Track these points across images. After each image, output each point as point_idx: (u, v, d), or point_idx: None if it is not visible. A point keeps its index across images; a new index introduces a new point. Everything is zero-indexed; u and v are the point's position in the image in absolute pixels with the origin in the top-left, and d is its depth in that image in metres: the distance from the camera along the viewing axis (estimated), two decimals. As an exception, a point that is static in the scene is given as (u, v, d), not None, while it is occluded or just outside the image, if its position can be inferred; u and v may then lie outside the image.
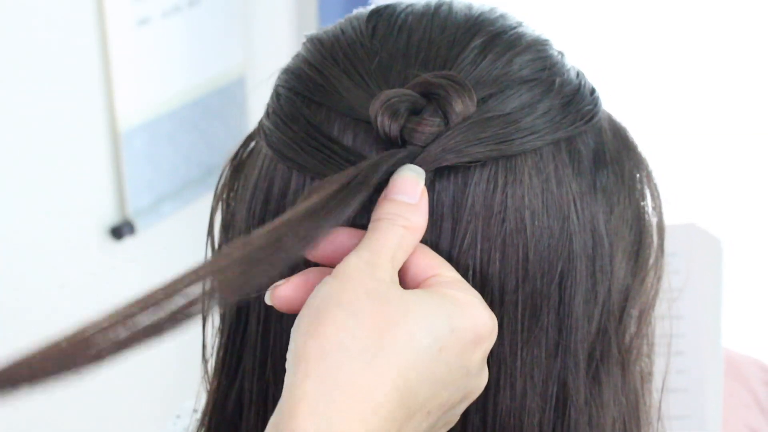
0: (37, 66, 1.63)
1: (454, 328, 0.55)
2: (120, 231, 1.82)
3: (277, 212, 0.63)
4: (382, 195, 0.58)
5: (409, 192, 0.58)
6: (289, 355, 0.53)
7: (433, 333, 0.54)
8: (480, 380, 0.58)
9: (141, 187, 1.83)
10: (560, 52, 0.66)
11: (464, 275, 0.60)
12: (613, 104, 0.68)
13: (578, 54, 0.69)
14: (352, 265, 0.55)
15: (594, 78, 0.68)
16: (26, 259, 1.71)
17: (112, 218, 1.82)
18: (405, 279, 0.58)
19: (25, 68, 1.62)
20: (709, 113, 1.80)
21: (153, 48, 1.79)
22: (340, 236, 0.59)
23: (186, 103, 1.88)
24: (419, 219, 0.58)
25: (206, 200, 2.06)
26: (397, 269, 0.57)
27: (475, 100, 0.60)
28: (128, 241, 1.85)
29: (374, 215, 0.58)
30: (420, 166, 0.59)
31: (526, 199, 0.60)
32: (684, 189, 1.76)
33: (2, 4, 1.57)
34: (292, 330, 0.54)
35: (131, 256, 1.88)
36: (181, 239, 1.94)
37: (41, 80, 1.64)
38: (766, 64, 1.75)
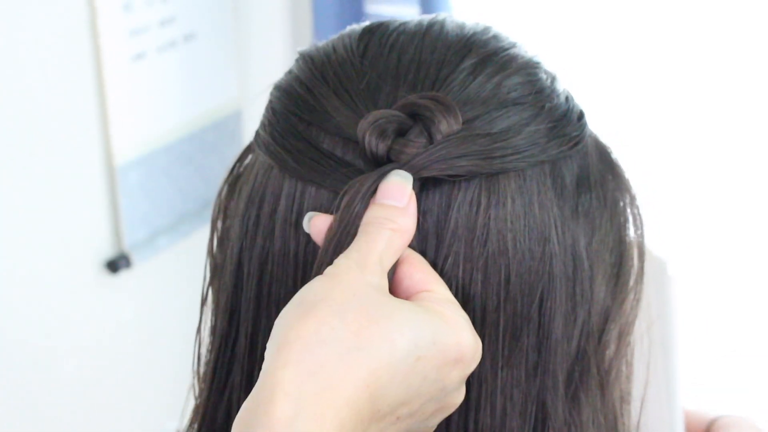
0: (34, 100, 1.64)
1: (436, 342, 0.55)
2: (116, 264, 1.82)
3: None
4: (371, 201, 0.59)
5: (396, 196, 0.59)
6: (270, 343, 0.54)
7: (413, 341, 0.54)
8: (455, 398, 0.58)
9: (137, 220, 1.84)
10: (552, 75, 0.67)
11: None
12: (602, 108, 0.68)
13: (565, 66, 0.69)
14: (342, 265, 0.56)
15: (579, 84, 0.68)
16: (22, 292, 1.72)
17: (108, 252, 1.83)
18: (398, 289, 0.59)
19: (21, 102, 1.63)
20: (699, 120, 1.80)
21: (148, 82, 1.80)
22: None
23: (181, 137, 1.89)
24: (407, 221, 0.59)
25: (202, 234, 2.07)
26: (386, 271, 0.58)
27: (461, 121, 0.60)
28: (124, 275, 1.85)
29: (363, 219, 0.59)
30: None
31: (509, 221, 0.61)
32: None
33: (-1, 40, 1.58)
34: (278, 319, 0.55)
35: (127, 289, 1.89)
36: (177, 273, 1.95)
37: (37, 114, 1.65)
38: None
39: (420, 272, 0.59)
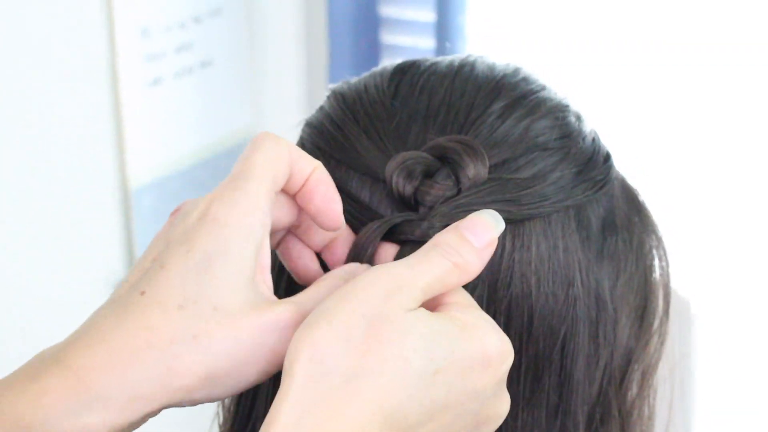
0: (51, 123, 1.66)
1: (455, 351, 0.54)
2: (128, 288, 1.83)
3: None
4: (454, 224, 0.58)
5: (477, 233, 0.57)
6: (284, 368, 0.53)
7: (428, 355, 0.53)
8: (497, 407, 0.57)
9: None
10: (579, 117, 0.67)
11: None
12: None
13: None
14: (368, 280, 0.54)
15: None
16: (35, 314, 1.72)
17: (121, 274, 1.84)
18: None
19: (38, 125, 1.64)
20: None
21: (164, 108, 1.81)
22: None
23: (195, 163, 1.90)
24: (475, 263, 0.57)
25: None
26: (425, 299, 0.55)
27: (488, 165, 0.61)
28: (135, 298, 1.85)
29: (434, 239, 0.57)
30: (430, 223, 0.60)
31: (533, 265, 0.62)
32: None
33: (17, 61, 1.59)
34: (290, 344, 0.54)
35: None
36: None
37: (54, 137, 1.67)
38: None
39: None
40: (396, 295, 0.54)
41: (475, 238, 0.57)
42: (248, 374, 0.55)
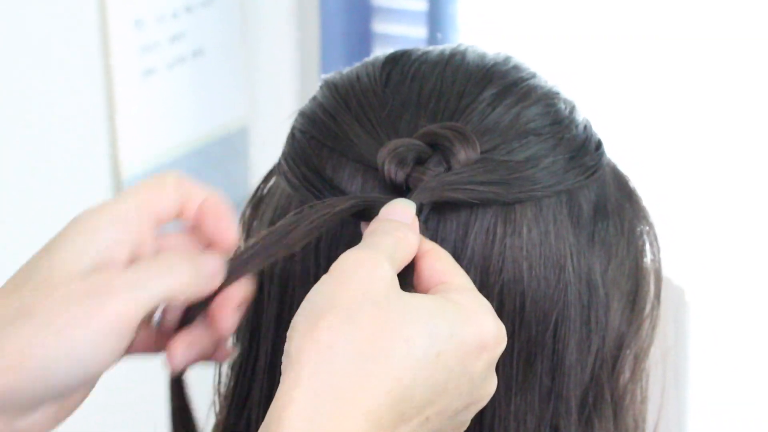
0: (45, 114, 1.66)
1: (454, 334, 0.54)
2: (121, 277, 1.83)
3: None
4: (373, 220, 0.60)
5: (400, 215, 0.59)
6: (284, 357, 0.54)
7: (431, 338, 0.54)
8: (486, 389, 0.58)
9: (143, 234, 1.85)
10: (570, 105, 0.67)
11: None
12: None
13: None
14: (351, 260, 0.56)
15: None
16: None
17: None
18: (417, 282, 0.59)
19: (32, 116, 1.64)
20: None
21: (158, 98, 1.82)
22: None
23: (188, 152, 1.90)
24: (412, 236, 0.58)
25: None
26: (396, 271, 0.57)
27: (479, 151, 0.62)
28: (129, 288, 1.86)
29: (369, 228, 0.59)
30: (419, 197, 0.61)
31: (524, 250, 0.62)
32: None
33: (11, 53, 1.60)
34: (290, 330, 0.54)
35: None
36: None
37: (48, 128, 1.67)
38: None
39: (439, 263, 0.59)
40: (377, 270, 0.55)
41: (399, 217, 0.59)
42: (80, 343, 0.55)
